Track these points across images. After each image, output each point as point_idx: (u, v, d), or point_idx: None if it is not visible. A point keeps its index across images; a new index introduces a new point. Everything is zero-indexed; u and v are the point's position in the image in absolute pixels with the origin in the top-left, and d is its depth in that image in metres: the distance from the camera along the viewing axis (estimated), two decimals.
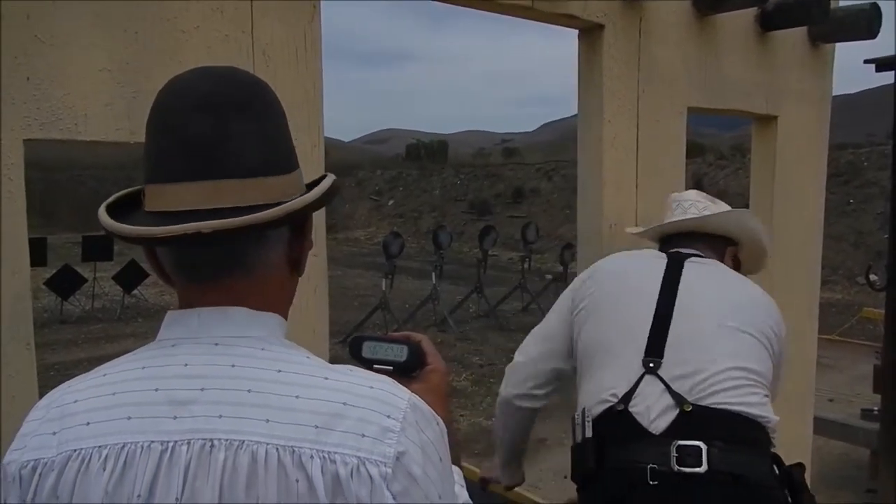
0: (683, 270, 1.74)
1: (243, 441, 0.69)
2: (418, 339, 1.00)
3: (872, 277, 6.87)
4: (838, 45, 3.05)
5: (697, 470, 1.46)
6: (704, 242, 1.88)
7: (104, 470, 0.69)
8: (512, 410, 1.92)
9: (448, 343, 8.98)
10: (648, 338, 1.61)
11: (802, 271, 2.99)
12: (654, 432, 1.51)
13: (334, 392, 0.72)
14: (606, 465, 1.57)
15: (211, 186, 0.73)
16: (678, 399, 1.53)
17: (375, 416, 0.72)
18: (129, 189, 0.83)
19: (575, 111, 2.37)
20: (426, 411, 0.77)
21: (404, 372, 0.95)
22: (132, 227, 0.74)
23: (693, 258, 1.80)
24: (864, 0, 2.85)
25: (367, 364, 0.93)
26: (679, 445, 1.48)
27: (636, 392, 1.56)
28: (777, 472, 1.56)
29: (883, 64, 3.80)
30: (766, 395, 1.60)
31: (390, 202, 27.88)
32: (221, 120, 0.74)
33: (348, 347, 1.01)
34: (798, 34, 2.90)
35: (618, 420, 1.56)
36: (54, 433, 0.72)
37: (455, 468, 0.88)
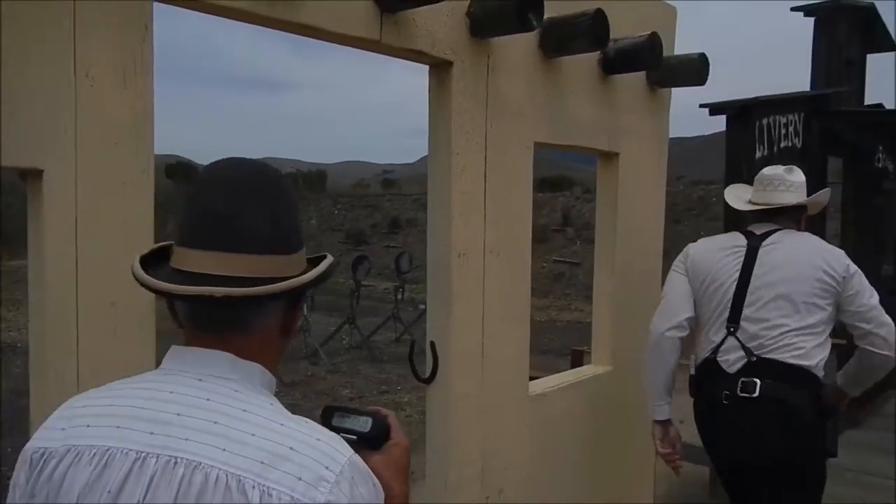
0: (757, 256, 2.56)
1: (200, 462, 0.81)
2: (385, 413, 1.07)
3: None
4: (691, 89, 3.26)
5: (752, 395, 2.40)
6: (788, 213, 2.66)
7: (90, 465, 0.83)
8: (662, 343, 2.61)
9: (318, 376, 8.81)
10: (730, 310, 2.52)
11: (643, 297, 3.18)
12: (730, 373, 2.48)
13: (285, 437, 0.84)
14: (702, 390, 2.60)
15: (224, 258, 0.88)
16: (748, 353, 2.46)
17: (315, 464, 0.82)
18: (161, 244, 0.99)
19: None
20: (363, 471, 0.87)
21: (367, 443, 1.01)
22: (160, 281, 0.89)
23: (766, 243, 2.58)
24: (694, 51, 3.12)
25: (335, 432, 0.96)
26: (742, 381, 2.43)
27: (721, 348, 2.52)
28: (816, 401, 2.43)
29: (715, 109, 4.14)
30: (818, 341, 2.45)
31: None
32: (238, 201, 0.90)
33: (321, 416, 1.07)
34: (637, 78, 3.12)
35: (710, 364, 2.55)
36: (63, 429, 0.88)
37: None
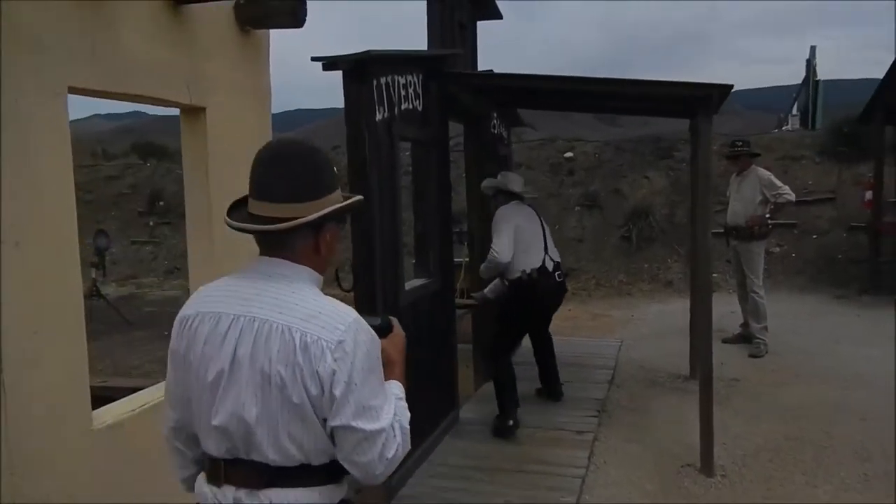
0: (537, 212, 5.09)
1: (268, 320, 1.40)
2: (391, 318, 1.70)
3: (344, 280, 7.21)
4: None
5: (560, 280, 5.01)
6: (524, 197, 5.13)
7: (209, 322, 1.42)
8: (499, 265, 4.77)
9: None
10: (544, 244, 4.92)
11: None
12: (550, 271, 4.93)
13: (317, 305, 1.42)
14: (539, 281, 4.81)
15: (263, 205, 1.44)
16: (553, 262, 4.97)
17: (333, 320, 1.40)
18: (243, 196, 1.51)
19: None
20: (364, 326, 1.44)
21: (379, 332, 1.54)
22: (230, 220, 1.45)
23: (529, 208, 5.08)
24: None
25: None
26: (556, 274, 4.98)
27: (544, 263, 4.88)
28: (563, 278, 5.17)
29: (329, 64, 3.77)
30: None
31: None
32: (270, 169, 1.44)
33: None
34: (223, 17, 2.57)
35: (542, 269, 4.86)
36: (192, 304, 1.47)
37: (397, 383, 1.61)
